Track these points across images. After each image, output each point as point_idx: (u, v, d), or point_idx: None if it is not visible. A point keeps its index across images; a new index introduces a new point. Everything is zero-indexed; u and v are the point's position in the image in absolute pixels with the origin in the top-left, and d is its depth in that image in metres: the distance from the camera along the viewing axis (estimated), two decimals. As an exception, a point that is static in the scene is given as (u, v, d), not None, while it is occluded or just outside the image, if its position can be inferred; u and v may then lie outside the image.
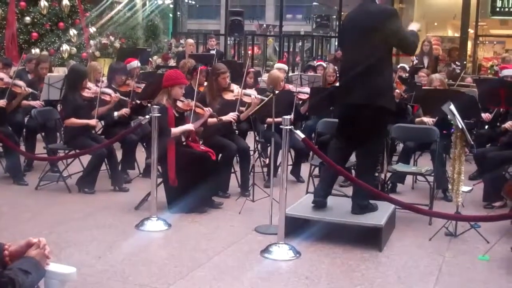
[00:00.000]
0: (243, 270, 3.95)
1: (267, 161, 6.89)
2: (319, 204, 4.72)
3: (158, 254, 4.25)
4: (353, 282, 3.81)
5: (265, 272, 3.93)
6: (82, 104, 5.97)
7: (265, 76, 8.83)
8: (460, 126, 4.66)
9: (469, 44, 16.14)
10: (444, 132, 5.70)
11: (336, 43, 18.30)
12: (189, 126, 5.32)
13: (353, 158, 5.20)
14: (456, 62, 10.96)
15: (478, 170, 6.44)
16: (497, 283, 3.89)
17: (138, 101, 6.67)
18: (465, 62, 13.63)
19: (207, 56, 9.86)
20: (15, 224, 4.76)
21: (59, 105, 6.89)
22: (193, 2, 34.50)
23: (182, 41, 14.84)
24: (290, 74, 11.63)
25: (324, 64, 9.74)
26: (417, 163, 6.53)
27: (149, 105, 6.25)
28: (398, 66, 9.61)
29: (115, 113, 6.39)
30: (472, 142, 5.07)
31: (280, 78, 6.66)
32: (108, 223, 4.87)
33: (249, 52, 18.27)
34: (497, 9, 15.23)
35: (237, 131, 6.41)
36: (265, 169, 6.66)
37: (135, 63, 7.40)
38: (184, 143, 5.38)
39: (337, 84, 5.63)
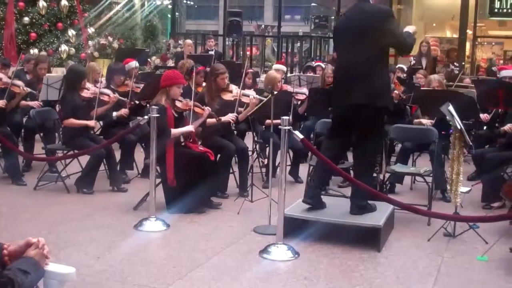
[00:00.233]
0: (242, 271, 3.95)
1: (265, 161, 6.89)
2: (309, 204, 4.71)
3: (157, 254, 4.24)
4: (351, 283, 3.81)
5: (263, 272, 3.93)
6: (81, 105, 5.97)
7: (263, 77, 8.83)
8: (459, 127, 4.66)
9: (468, 45, 16.16)
10: (442, 133, 5.70)
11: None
12: (189, 128, 5.32)
13: (350, 158, 5.21)
14: (455, 63, 10.98)
15: (477, 171, 6.45)
16: (496, 283, 3.89)
17: (137, 102, 6.67)
18: (463, 63, 13.64)
19: (206, 57, 9.87)
20: (14, 224, 4.75)
21: (57, 106, 6.89)
22: (192, 3, 34.54)
23: (180, 41, 14.84)
24: (289, 75, 11.64)
25: (323, 65, 9.75)
26: (415, 164, 6.53)
27: (147, 105, 6.26)
28: (396, 67, 9.62)
29: (114, 114, 6.39)
30: (471, 143, 5.08)
31: (277, 79, 6.66)
32: (106, 224, 4.87)
33: (248, 52, 18.28)
34: (496, 10, 15.25)
35: (235, 132, 6.41)
36: (264, 170, 6.66)
37: (134, 63, 7.42)
38: (183, 144, 5.38)
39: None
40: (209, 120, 5.63)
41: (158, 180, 5.21)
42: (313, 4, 31.10)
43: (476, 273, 4.05)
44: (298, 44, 22.85)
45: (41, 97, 6.77)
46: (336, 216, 4.62)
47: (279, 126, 4.25)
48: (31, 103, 6.74)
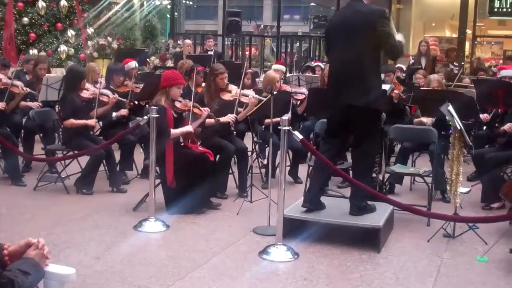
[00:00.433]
0: (242, 271, 3.95)
1: (265, 162, 6.89)
2: (308, 208, 4.70)
3: (157, 255, 4.24)
4: (351, 283, 3.81)
5: (263, 273, 3.93)
6: (81, 105, 5.97)
7: (263, 77, 8.82)
8: (459, 127, 4.66)
9: (467, 45, 16.15)
10: (442, 133, 5.70)
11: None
12: (188, 128, 5.32)
13: (350, 159, 5.20)
14: (454, 63, 10.97)
15: (476, 171, 6.44)
16: (496, 284, 3.89)
17: (136, 102, 6.67)
18: (463, 63, 13.64)
19: (205, 57, 9.86)
20: (14, 225, 4.75)
21: (57, 106, 6.89)
22: (191, 3, 34.52)
23: (179, 41, 14.84)
24: (288, 75, 11.64)
25: (322, 65, 9.74)
26: (415, 164, 6.53)
27: (147, 105, 6.26)
28: (396, 67, 9.61)
29: (114, 114, 6.39)
30: (471, 143, 5.08)
31: (276, 79, 6.66)
32: (106, 224, 4.87)
33: (247, 52, 18.27)
34: (495, 10, 15.24)
35: (235, 132, 6.41)
36: (263, 170, 6.66)
37: (133, 63, 7.42)
38: (182, 144, 5.38)
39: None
40: (208, 121, 5.63)
41: (158, 181, 5.21)
42: (312, 4, 31.08)
43: (476, 274, 4.05)
44: (297, 44, 22.84)
45: (41, 98, 6.77)
46: (336, 216, 4.62)
47: (279, 127, 4.25)
48: (30, 104, 6.74)
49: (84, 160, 6.03)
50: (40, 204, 5.44)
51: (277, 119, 4.52)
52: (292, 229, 4.50)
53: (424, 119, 6.19)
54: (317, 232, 4.48)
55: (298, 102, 6.98)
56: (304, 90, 7.05)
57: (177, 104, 5.33)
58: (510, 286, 3.87)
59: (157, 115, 4.85)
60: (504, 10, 15.17)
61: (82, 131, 5.95)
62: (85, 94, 6.06)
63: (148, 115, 4.87)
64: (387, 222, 4.65)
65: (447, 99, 4.99)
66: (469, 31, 15.88)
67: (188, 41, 12.00)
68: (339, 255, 4.29)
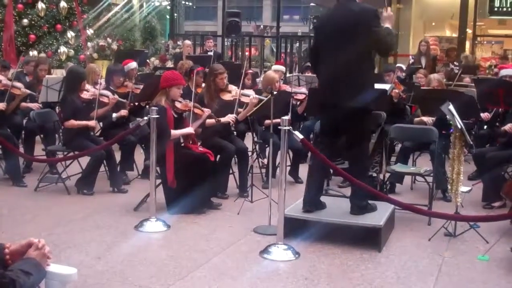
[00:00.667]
0: (242, 271, 3.95)
1: (265, 161, 6.89)
2: (309, 210, 4.69)
3: (158, 255, 4.24)
4: (352, 283, 3.81)
5: (264, 272, 3.93)
6: (81, 106, 5.97)
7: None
8: (459, 126, 4.66)
9: (467, 44, 16.14)
10: (443, 132, 5.70)
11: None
12: (189, 130, 5.32)
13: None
14: (454, 62, 10.97)
15: (477, 170, 6.44)
16: (497, 283, 3.89)
17: (136, 103, 6.67)
18: (463, 62, 13.64)
19: (205, 57, 9.86)
20: (15, 225, 4.75)
21: (57, 107, 6.89)
22: (190, 4, 34.51)
23: (179, 42, 14.83)
24: (288, 75, 11.63)
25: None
26: (415, 164, 6.53)
27: (147, 106, 6.26)
28: (396, 66, 9.62)
29: (114, 115, 6.39)
30: (471, 142, 5.07)
31: (275, 79, 6.66)
32: (107, 224, 4.87)
33: (246, 53, 18.26)
34: (495, 9, 15.22)
35: (235, 132, 6.42)
36: (264, 170, 6.66)
37: (133, 64, 7.43)
38: (183, 145, 5.38)
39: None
40: (209, 121, 5.63)
41: (158, 181, 5.21)
42: (312, 4, 31.07)
43: (477, 273, 4.05)
44: (297, 44, 22.83)
45: (41, 99, 6.77)
46: (337, 216, 4.62)
47: (279, 127, 4.25)
48: (31, 105, 6.74)
49: (84, 160, 6.03)
50: (41, 204, 5.44)
51: (277, 120, 4.52)
52: (293, 228, 4.50)
53: (424, 118, 6.20)
54: (318, 231, 4.48)
55: (298, 103, 6.98)
56: (304, 90, 7.05)
57: (177, 105, 5.33)
58: (511, 285, 3.87)
59: (157, 116, 4.85)
60: (504, 9, 15.16)
61: (83, 132, 5.96)
62: (85, 95, 6.06)
63: (148, 115, 4.87)
64: (388, 221, 4.65)
65: (448, 99, 4.98)
66: (469, 31, 15.87)
67: (187, 42, 12.00)
68: (340, 255, 4.29)
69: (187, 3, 33.13)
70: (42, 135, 6.54)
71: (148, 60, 12.61)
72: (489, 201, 5.67)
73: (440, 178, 5.63)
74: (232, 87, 6.11)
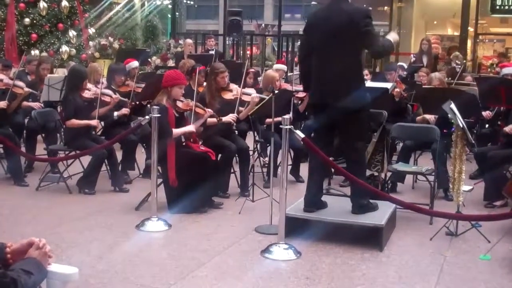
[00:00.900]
0: (244, 270, 3.95)
1: (266, 160, 6.88)
2: (310, 211, 4.69)
3: (159, 254, 4.24)
4: (353, 282, 3.80)
5: (265, 272, 3.93)
6: (82, 105, 5.97)
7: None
8: (461, 125, 4.65)
9: (469, 43, 16.13)
10: (444, 131, 5.70)
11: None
12: (190, 128, 5.32)
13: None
14: (456, 61, 10.95)
15: (479, 169, 6.43)
16: (499, 282, 3.88)
17: (137, 102, 6.67)
18: (464, 61, 13.63)
19: (206, 56, 9.85)
20: (16, 225, 4.76)
21: (59, 106, 6.89)
22: (192, 3, 34.52)
23: (181, 41, 14.82)
24: (289, 73, 11.62)
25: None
26: (417, 163, 6.52)
27: (148, 105, 6.26)
28: (397, 65, 9.61)
29: (115, 113, 6.40)
30: (473, 141, 5.07)
31: (275, 78, 6.66)
32: (108, 224, 4.87)
33: (248, 52, 18.25)
34: (497, 7, 15.20)
35: (236, 131, 6.41)
36: (265, 169, 6.66)
37: (135, 63, 7.43)
38: (184, 144, 5.38)
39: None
40: (210, 120, 5.62)
41: (160, 180, 5.21)
42: (313, 2, 31.06)
43: (479, 272, 4.04)
44: (299, 43, 22.81)
45: (43, 98, 6.77)
46: (338, 215, 4.61)
47: (280, 126, 4.25)
48: (32, 104, 6.75)
49: (86, 160, 6.03)
50: (42, 204, 5.45)
51: (278, 118, 4.51)
52: (294, 228, 4.50)
53: (427, 116, 6.19)
54: (319, 230, 4.48)
55: (299, 101, 6.97)
56: (304, 88, 7.03)
57: (179, 104, 5.33)
58: (513, 284, 3.87)
59: (158, 115, 4.85)
60: (506, 7, 15.13)
61: (84, 131, 5.96)
62: (86, 94, 6.07)
63: (150, 115, 4.87)
64: (390, 220, 4.65)
65: (449, 97, 4.97)
66: (471, 29, 15.85)
67: (189, 41, 12.00)
68: (342, 254, 4.29)
69: (188, 2, 33.16)
70: (43, 135, 6.54)
71: (149, 59, 12.61)
72: (491, 200, 5.66)
73: (442, 177, 5.61)
74: (233, 86, 6.10)
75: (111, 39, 12.87)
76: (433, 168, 5.52)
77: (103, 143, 5.85)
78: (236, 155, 6.02)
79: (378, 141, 5.47)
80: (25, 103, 6.70)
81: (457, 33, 16.47)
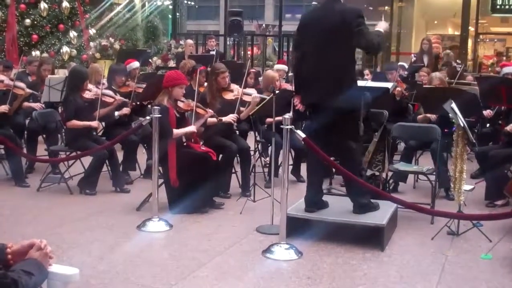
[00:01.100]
0: (245, 270, 3.95)
1: (267, 160, 6.88)
2: (312, 211, 4.69)
3: (160, 254, 4.24)
4: (355, 282, 3.80)
5: (266, 272, 3.92)
6: (83, 106, 5.97)
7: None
8: (462, 125, 4.65)
9: (470, 42, 16.12)
10: (445, 130, 5.69)
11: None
12: (191, 128, 5.32)
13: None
14: (457, 60, 10.95)
15: (480, 169, 6.43)
16: (500, 282, 3.88)
17: (138, 103, 6.67)
18: (459, 61, 13.62)
19: (207, 57, 9.86)
20: (17, 225, 4.76)
21: (59, 107, 6.89)
22: (192, 3, 34.53)
23: (181, 42, 14.83)
24: (290, 74, 11.62)
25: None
26: (418, 162, 6.52)
27: (149, 106, 6.26)
28: (398, 64, 9.61)
29: (116, 113, 6.41)
30: (474, 141, 5.06)
31: (275, 78, 6.66)
32: (109, 224, 4.87)
33: (249, 52, 18.25)
34: (498, 7, 15.20)
35: (237, 132, 6.41)
36: (266, 169, 6.66)
37: (135, 64, 7.43)
38: (185, 144, 5.38)
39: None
40: (210, 120, 5.62)
41: (161, 181, 5.21)
42: (314, 3, 31.06)
43: (480, 272, 4.04)
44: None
45: (43, 99, 6.77)
46: (339, 215, 4.61)
47: (281, 126, 4.24)
48: (33, 105, 6.75)
49: (87, 160, 6.03)
50: (43, 204, 5.45)
51: (279, 118, 4.51)
52: (296, 228, 4.49)
53: (428, 114, 6.19)
54: (320, 230, 4.47)
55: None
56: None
57: (180, 104, 5.33)
58: (514, 284, 3.86)
59: (159, 115, 4.85)
60: (507, 7, 15.13)
61: (85, 132, 5.96)
62: (87, 95, 6.07)
63: (151, 115, 4.87)
64: (391, 220, 4.64)
65: (450, 97, 4.97)
66: (471, 29, 15.85)
67: (189, 41, 11.99)
68: (343, 254, 4.28)
69: (189, 2, 33.17)
70: (44, 135, 6.55)
71: (150, 60, 12.62)
72: (492, 199, 5.65)
73: (442, 176, 5.61)
74: (234, 86, 6.10)
75: (111, 39, 12.89)
76: (434, 167, 5.52)
77: (104, 144, 5.85)
78: (237, 155, 6.02)
79: (379, 141, 5.46)
80: (26, 103, 6.71)
81: (457, 33, 16.48)
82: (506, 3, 15.06)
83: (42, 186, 5.95)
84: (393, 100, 6.91)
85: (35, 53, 11.47)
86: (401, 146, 7.20)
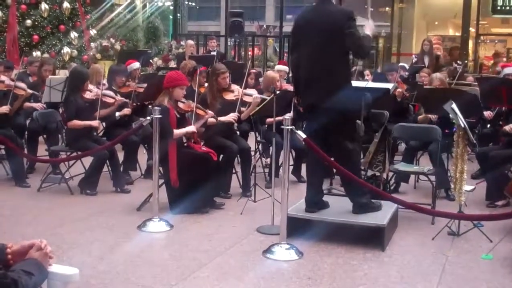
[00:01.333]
0: (245, 271, 3.95)
1: (268, 161, 6.88)
2: (312, 212, 4.68)
3: (160, 255, 4.24)
4: (355, 282, 3.80)
5: (267, 272, 3.92)
6: (84, 106, 5.98)
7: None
8: (462, 125, 4.65)
9: (470, 43, 16.12)
10: (446, 131, 5.69)
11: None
12: (191, 128, 5.32)
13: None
14: (458, 61, 10.94)
15: (481, 169, 6.42)
16: (501, 282, 3.87)
17: (139, 103, 6.68)
18: (466, 61, 13.61)
19: (208, 57, 9.86)
20: (18, 226, 4.76)
21: (60, 108, 6.90)
22: (193, 4, 34.52)
23: (182, 42, 14.84)
24: (291, 74, 11.61)
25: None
26: (419, 163, 6.52)
27: (149, 106, 6.27)
28: (399, 65, 9.61)
29: (117, 113, 6.41)
30: (474, 141, 5.06)
31: (275, 79, 6.66)
32: (110, 224, 4.87)
33: (249, 53, 18.24)
34: (498, 8, 15.19)
35: (238, 132, 6.41)
36: (266, 170, 6.66)
37: (136, 64, 7.44)
38: (185, 144, 5.38)
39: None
40: (211, 120, 5.62)
41: (161, 181, 5.21)
42: (314, 4, 31.06)
43: (481, 272, 4.04)
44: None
45: (44, 99, 6.78)
46: (340, 215, 4.61)
47: (282, 126, 4.24)
48: (34, 105, 6.76)
49: (87, 161, 6.04)
50: (44, 205, 5.45)
51: (280, 118, 4.51)
52: (296, 228, 4.49)
53: (429, 115, 6.19)
54: (321, 231, 4.47)
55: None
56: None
57: (180, 105, 5.33)
58: (515, 284, 3.86)
59: (160, 116, 4.85)
60: (508, 8, 15.12)
61: (86, 132, 5.96)
62: (88, 95, 6.07)
63: (151, 115, 4.87)
64: (392, 220, 4.64)
65: (451, 97, 4.97)
66: (472, 30, 15.85)
67: (190, 42, 11.99)
68: (344, 254, 4.28)
69: (190, 3, 33.14)
70: (45, 136, 6.55)
71: (151, 60, 12.62)
72: (493, 199, 5.65)
73: (441, 177, 5.60)
74: (234, 87, 6.11)
75: (112, 40, 12.90)
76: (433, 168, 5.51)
77: (104, 144, 5.86)
78: (238, 155, 6.02)
79: (379, 141, 5.46)
80: (27, 104, 6.71)
81: (458, 34, 16.47)
82: (507, 4, 15.05)
83: (42, 186, 5.95)
84: (393, 100, 6.91)
85: (36, 53, 11.48)
86: (402, 146, 7.20)
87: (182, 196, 5.14)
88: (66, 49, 12.06)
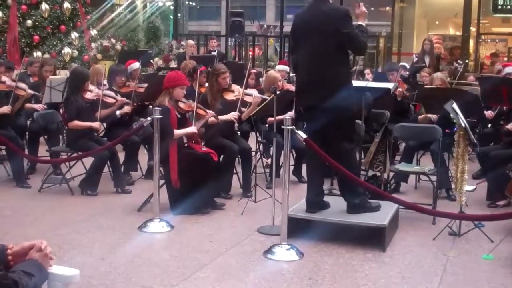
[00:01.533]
0: (246, 271, 3.95)
1: (269, 161, 6.88)
2: (313, 212, 4.68)
3: (161, 255, 4.24)
4: (356, 283, 3.80)
5: (268, 273, 3.92)
6: (84, 107, 5.98)
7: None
8: (463, 125, 4.64)
9: (471, 43, 16.10)
10: (446, 131, 5.68)
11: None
12: (192, 129, 5.32)
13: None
14: (458, 61, 10.94)
15: (482, 169, 6.42)
16: (502, 282, 3.87)
17: (139, 103, 6.68)
18: (467, 61, 13.60)
19: (208, 57, 9.86)
20: (18, 226, 4.76)
21: (61, 108, 6.90)
22: (194, 4, 34.51)
23: (183, 42, 14.84)
24: (292, 74, 11.61)
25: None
26: (419, 163, 6.51)
27: (150, 106, 6.27)
28: (399, 65, 9.61)
29: (117, 112, 6.41)
30: (475, 141, 5.05)
31: (277, 79, 6.66)
32: (111, 225, 4.87)
33: (250, 53, 18.24)
34: (499, 7, 15.17)
35: (239, 132, 6.41)
36: (267, 170, 6.65)
37: (136, 64, 7.44)
38: (186, 145, 5.38)
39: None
40: (211, 119, 5.62)
41: (162, 181, 5.21)
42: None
43: (482, 272, 4.03)
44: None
45: (45, 100, 6.78)
46: (340, 216, 4.61)
47: (282, 126, 4.24)
48: (35, 106, 6.76)
49: (88, 161, 6.04)
50: (45, 205, 5.45)
51: (280, 117, 4.51)
52: (297, 228, 4.49)
53: (430, 114, 6.18)
54: (321, 231, 4.47)
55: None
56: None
57: (181, 105, 5.33)
58: (516, 284, 3.86)
59: (160, 116, 4.85)
60: (508, 7, 15.10)
61: (86, 132, 5.96)
62: (88, 95, 6.08)
63: (152, 116, 4.87)
64: (392, 220, 4.64)
65: (451, 97, 4.96)
66: (473, 29, 15.83)
67: (191, 42, 11.99)
68: (344, 254, 4.28)
69: (190, 3, 33.14)
70: (45, 136, 6.55)
71: (151, 61, 12.62)
72: (494, 200, 5.65)
73: (442, 177, 5.60)
74: (235, 87, 6.10)
75: (113, 40, 12.90)
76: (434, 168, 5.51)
77: (105, 145, 5.85)
78: (238, 156, 6.02)
79: (380, 141, 5.47)
80: (28, 104, 6.72)
81: (459, 33, 16.45)
82: (508, 3, 15.03)
83: (43, 187, 5.95)
84: (394, 100, 6.91)
85: (37, 54, 11.48)
86: (403, 146, 7.20)
87: (183, 197, 5.14)
88: (66, 50, 12.07)
